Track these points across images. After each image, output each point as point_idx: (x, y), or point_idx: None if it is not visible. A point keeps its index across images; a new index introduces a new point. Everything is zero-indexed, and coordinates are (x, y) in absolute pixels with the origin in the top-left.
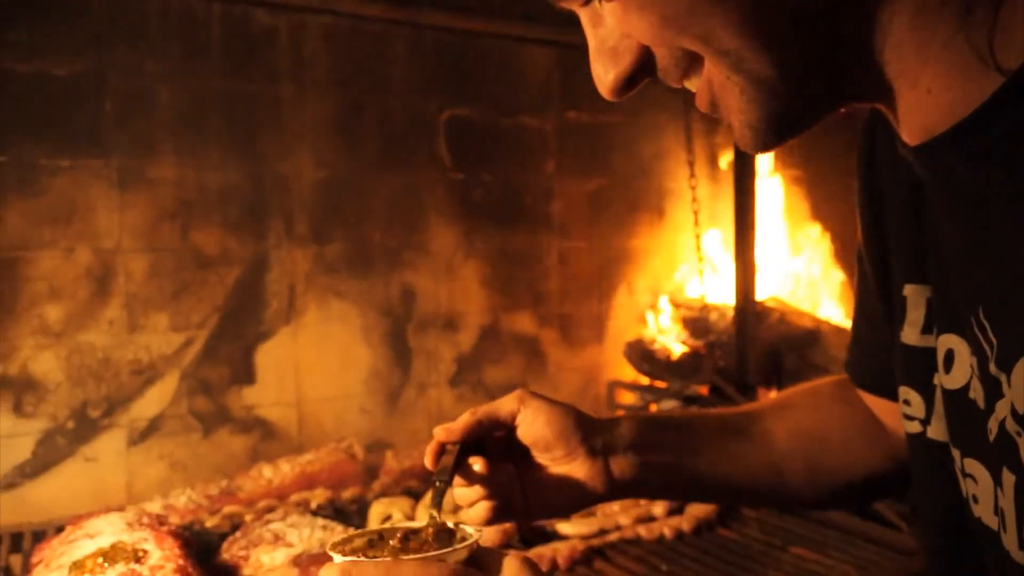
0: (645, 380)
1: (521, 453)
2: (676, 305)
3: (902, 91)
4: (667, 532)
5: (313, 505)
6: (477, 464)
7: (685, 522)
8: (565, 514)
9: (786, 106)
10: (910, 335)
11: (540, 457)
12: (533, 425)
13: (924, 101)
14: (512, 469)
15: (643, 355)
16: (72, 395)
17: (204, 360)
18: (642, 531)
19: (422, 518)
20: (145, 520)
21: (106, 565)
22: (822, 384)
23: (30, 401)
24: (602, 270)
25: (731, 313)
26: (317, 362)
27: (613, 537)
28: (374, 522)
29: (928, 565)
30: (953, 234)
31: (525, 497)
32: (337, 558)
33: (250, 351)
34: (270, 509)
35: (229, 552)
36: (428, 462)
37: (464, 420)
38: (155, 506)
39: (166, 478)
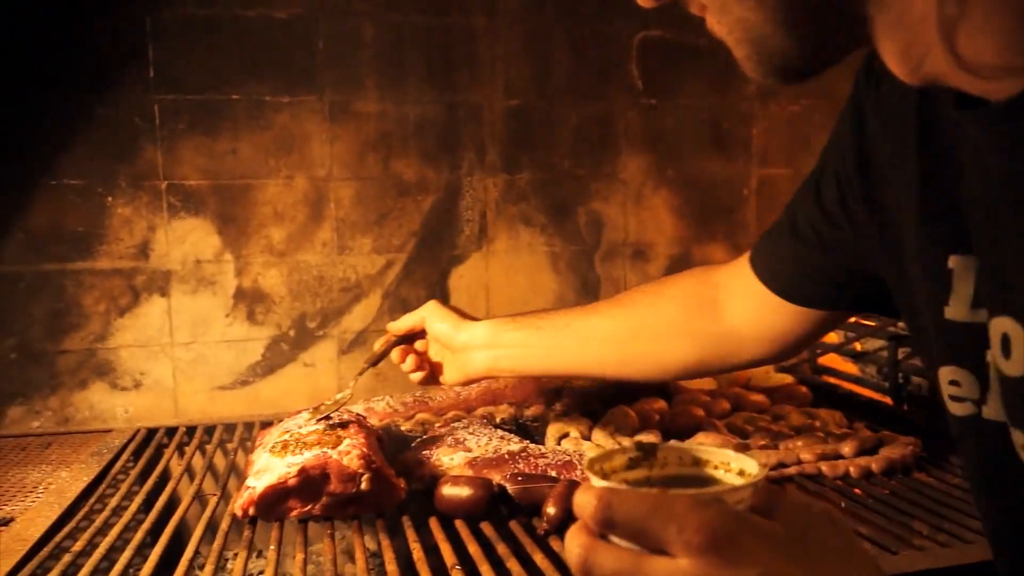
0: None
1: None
2: None
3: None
4: (852, 471)
5: (497, 419)
6: (396, 353)
7: (875, 463)
8: (460, 383)
9: (777, 50)
10: (957, 310)
11: (440, 346)
12: (431, 327)
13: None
14: (425, 354)
15: None
16: (293, 308)
17: (403, 281)
18: (824, 468)
19: (598, 439)
20: (345, 416)
21: (303, 447)
22: (674, 282)
23: (260, 311)
24: None
25: None
26: (506, 287)
27: (792, 471)
28: (551, 440)
29: (992, 544)
30: (1014, 205)
31: (435, 372)
32: (595, 480)
33: (444, 275)
34: (457, 419)
35: (415, 451)
36: (376, 347)
37: (403, 324)
38: (359, 408)
39: (369, 385)
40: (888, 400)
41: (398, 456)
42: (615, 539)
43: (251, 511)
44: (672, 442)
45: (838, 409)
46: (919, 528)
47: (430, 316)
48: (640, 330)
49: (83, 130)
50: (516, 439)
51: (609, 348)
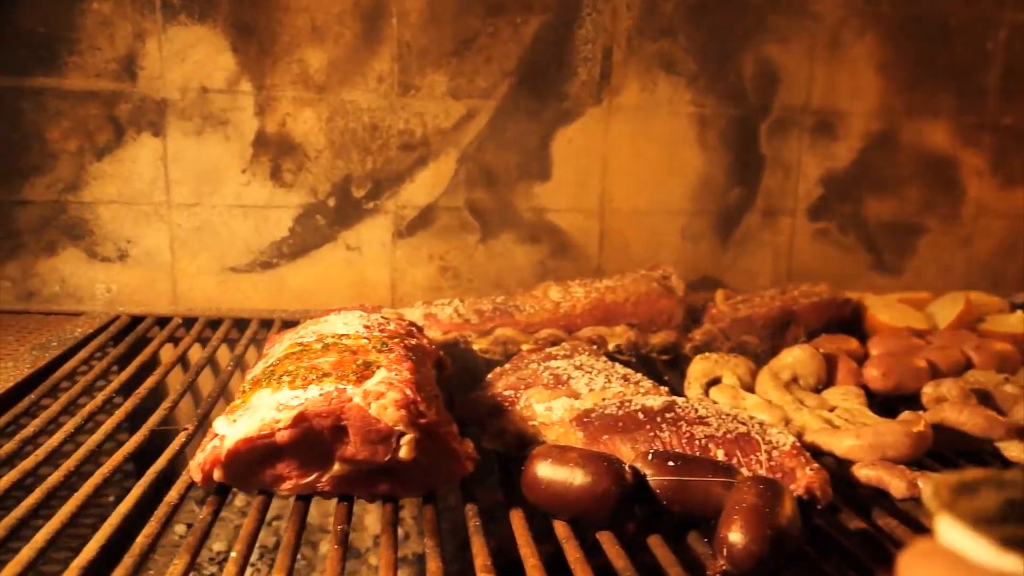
0: None
1: None
2: None
3: None
4: None
5: (610, 346)
6: None
7: None
8: None
9: None
10: None
11: None
12: None
13: None
14: None
15: None
16: (334, 167)
17: (488, 141)
18: None
19: (767, 391)
20: (391, 326)
21: (312, 375)
22: None
23: (289, 168)
24: None
25: None
26: (632, 161)
27: None
28: (694, 386)
29: None
30: None
31: None
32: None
33: (547, 136)
34: (554, 342)
35: (494, 387)
36: None
37: None
38: (415, 313)
39: (434, 283)
40: None
41: (466, 394)
42: None
43: (216, 475)
44: None
45: None
46: None
47: None
48: None
49: None
50: (648, 383)
51: None
